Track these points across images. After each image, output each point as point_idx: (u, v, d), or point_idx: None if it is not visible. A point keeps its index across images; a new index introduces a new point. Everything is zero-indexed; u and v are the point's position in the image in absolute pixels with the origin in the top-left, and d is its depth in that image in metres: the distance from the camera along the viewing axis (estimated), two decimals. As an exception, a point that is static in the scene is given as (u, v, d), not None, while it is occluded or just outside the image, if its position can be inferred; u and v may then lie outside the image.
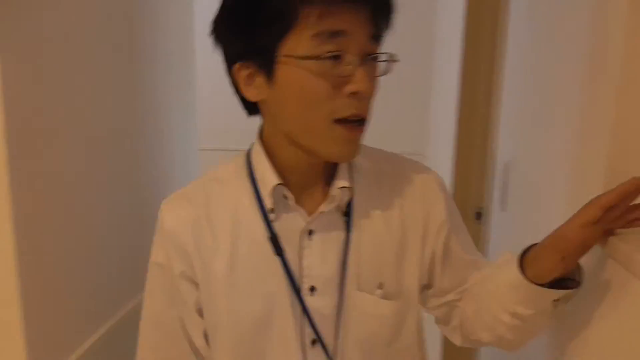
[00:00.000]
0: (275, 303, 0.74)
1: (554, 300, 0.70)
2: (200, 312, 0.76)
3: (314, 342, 0.75)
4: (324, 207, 0.74)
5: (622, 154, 0.72)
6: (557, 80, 1.00)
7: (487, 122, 1.54)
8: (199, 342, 0.77)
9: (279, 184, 0.72)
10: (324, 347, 0.74)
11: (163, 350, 0.78)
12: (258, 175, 0.75)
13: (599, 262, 0.72)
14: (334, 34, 0.63)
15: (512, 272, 0.71)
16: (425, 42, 2.25)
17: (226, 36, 0.70)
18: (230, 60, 0.70)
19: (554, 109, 0.99)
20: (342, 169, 0.75)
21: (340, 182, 0.74)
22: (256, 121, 0.78)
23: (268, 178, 0.73)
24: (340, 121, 0.66)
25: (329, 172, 0.76)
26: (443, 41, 2.02)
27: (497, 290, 0.74)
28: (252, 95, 0.70)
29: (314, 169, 0.75)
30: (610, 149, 0.73)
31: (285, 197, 0.73)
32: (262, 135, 0.76)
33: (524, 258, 0.71)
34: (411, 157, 0.85)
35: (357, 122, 0.67)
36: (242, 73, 0.69)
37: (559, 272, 0.68)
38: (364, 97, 0.66)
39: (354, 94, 0.65)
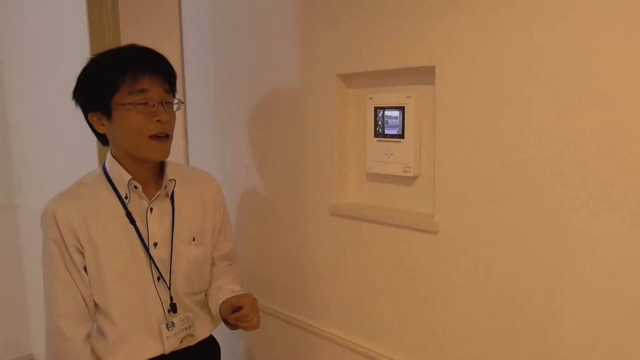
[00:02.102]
0: (135, 255, 1.19)
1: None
2: (84, 270, 1.15)
3: (159, 279, 1.22)
4: (160, 192, 1.22)
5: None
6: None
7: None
8: (85, 290, 1.16)
9: (131, 179, 1.18)
10: (164, 281, 1.23)
11: (64, 298, 1.15)
12: (114, 177, 1.19)
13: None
14: (141, 91, 1.12)
15: (217, 301, 1.27)
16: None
17: (81, 98, 1.18)
18: (86, 112, 1.18)
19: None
20: (167, 172, 1.23)
21: (169, 176, 1.23)
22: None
23: (123, 176, 1.18)
24: (152, 137, 1.14)
25: (157, 173, 1.24)
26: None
27: (214, 292, 1.32)
28: (101, 130, 1.18)
29: (148, 171, 1.22)
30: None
31: (136, 187, 1.19)
32: (112, 154, 1.21)
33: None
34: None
35: (164, 137, 1.16)
36: (94, 118, 1.17)
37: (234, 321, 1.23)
38: (164, 123, 1.14)
39: (158, 121, 1.14)
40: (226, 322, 1.26)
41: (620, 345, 0.88)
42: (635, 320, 0.86)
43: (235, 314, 1.19)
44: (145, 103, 1.12)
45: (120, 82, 1.11)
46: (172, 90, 1.20)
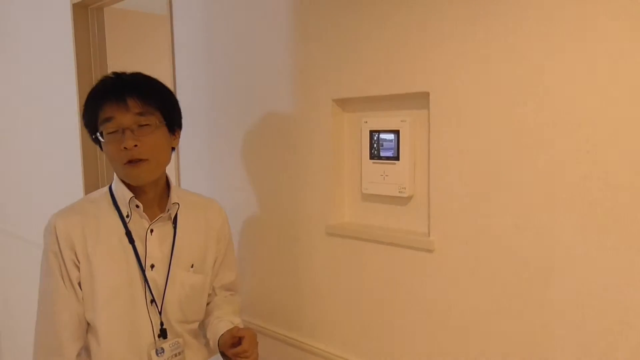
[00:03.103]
0: (130, 275, 1.18)
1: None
2: (79, 285, 1.15)
3: (152, 302, 1.21)
4: (162, 215, 1.23)
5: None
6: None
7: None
8: (78, 306, 1.16)
9: (132, 197, 1.19)
10: (157, 305, 1.21)
11: (60, 310, 1.14)
12: (117, 195, 1.21)
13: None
14: (108, 119, 1.13)
15: (216, 333, 1.25)
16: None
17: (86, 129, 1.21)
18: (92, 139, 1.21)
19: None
20: (172, 195, 1.25)
21: (174, 200, 1.24)
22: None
23: (125, 195, 1.20)
24: (126, 163, 1.14)
25: (161, 196, 1.26)
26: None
27: (213, 323, 1.29)
28: (105, 156, 1.20)
29: (147, 194, 1.22)
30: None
31: (137, 207, 1.20)
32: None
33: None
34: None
35: (137, 161, 1.14)
36: (98, 145, 1.20)
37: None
38: (130, 149, 1.12)
39: (124, 148, 1.12)
40: (223, 355, 1.25)
41: (607, 353, 0.93)
42: (622, 329, 0.92)
43: (234, 349, 1.17)
44: (116, 131, 1.13)
45: (96, 113, 1.15)
46: (153, 110, 1.16)
